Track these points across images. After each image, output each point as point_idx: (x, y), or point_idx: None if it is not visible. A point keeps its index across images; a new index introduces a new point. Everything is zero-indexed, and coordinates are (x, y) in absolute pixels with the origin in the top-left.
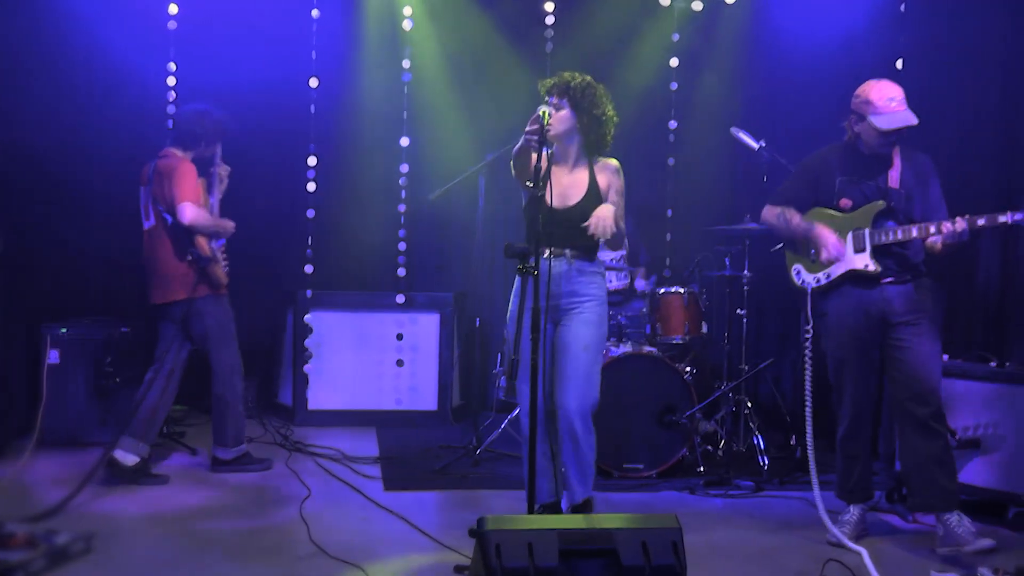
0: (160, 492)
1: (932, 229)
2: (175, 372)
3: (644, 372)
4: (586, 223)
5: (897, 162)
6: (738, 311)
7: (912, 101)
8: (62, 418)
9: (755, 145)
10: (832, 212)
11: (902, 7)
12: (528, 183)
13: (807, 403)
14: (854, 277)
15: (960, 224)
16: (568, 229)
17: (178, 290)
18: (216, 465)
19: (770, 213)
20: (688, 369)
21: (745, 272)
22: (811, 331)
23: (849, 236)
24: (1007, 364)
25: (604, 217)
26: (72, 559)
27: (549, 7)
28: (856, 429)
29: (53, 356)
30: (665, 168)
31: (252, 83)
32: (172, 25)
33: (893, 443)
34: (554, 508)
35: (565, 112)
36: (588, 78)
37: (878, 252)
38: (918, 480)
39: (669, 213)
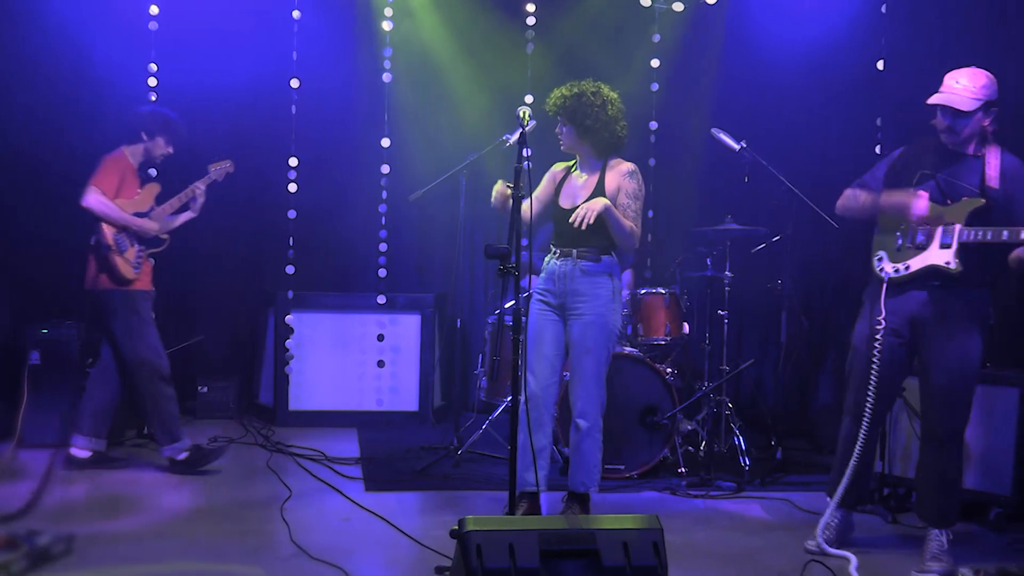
0: (140, 493)
1: (1023, 235)
2: (111, 365)
3: (625, 373)
4: (571, 218)
5: (994, 161)
6: (719, 312)
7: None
8: (43, 419)
9: (736, 146)
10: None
11: (883, 8)
12: (508, 184)
13: (869, 400)
14: (927, 275)
15: None
16: (575, 229)
17: (85, 279)
18: (172, 466)
19: (842, 198)
20: (669, 370)
21: (726, 273)
22: (883, 322)
23: (939, 230)
24: (987, 365)
25: (588, 207)
26: (53, 560)
27: (530, 8)
28: (856, 429)
29: (34, 357)
30: (646, 169)
31: (233, 84)
32: (153, 26)
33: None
34: (532, 497)
35: (565, 128)
36: (578, 88)
37: (963, 252)
38: (921, 490)
39: (651, 214)
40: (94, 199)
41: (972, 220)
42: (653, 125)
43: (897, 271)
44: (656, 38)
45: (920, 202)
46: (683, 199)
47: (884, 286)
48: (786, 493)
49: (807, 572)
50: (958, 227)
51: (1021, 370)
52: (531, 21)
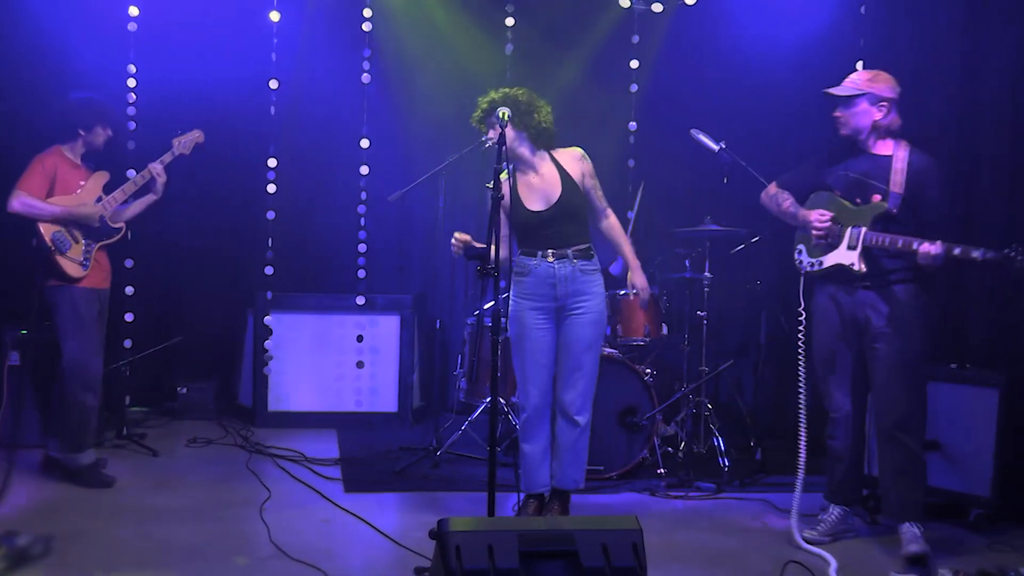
0: (120, 494)
1: (914, 246)
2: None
3: (605, 374)
4: (633, 292)
5: (900, 166)
6: (698, 313)
7: (872, 102)
8: (23, 420)
9: (715, 147)
10: (844, 201)
11: (862, 9)
12: (488, 184)
13: (801, 394)
14: (839, 272)
15: (936, 248)
16: (560, 226)
17: (35, 282)
18: (51, 464)
19: (765, 194)
20: (648, 371)
21: (705, 274)
22: (804, 311)
23: (848, 231)
24: (967, 366)
25: (644, 288)
26: (32, 561)
27: (509, 9)
28: (838, 429)
29: (14, 358)
30: (625, 170)
31: (212, 85)
32: (132, 27)
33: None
34: (540, 499)
35: (501, 123)
36: (504, 89)
37: (868, 253)
38: (882, 486)
39: (630, 215)
40: (17, 202)
41: (879, 222)
42: (632, 126)
43: (812, 266)
44: (635, 39)
45: (819, 225)
46: (662, 200)
47: (802, 278)
48: (765, 494)
49: (786, 573)
50: (863, 230)
51: (1000, 371)
52: (510, 22)
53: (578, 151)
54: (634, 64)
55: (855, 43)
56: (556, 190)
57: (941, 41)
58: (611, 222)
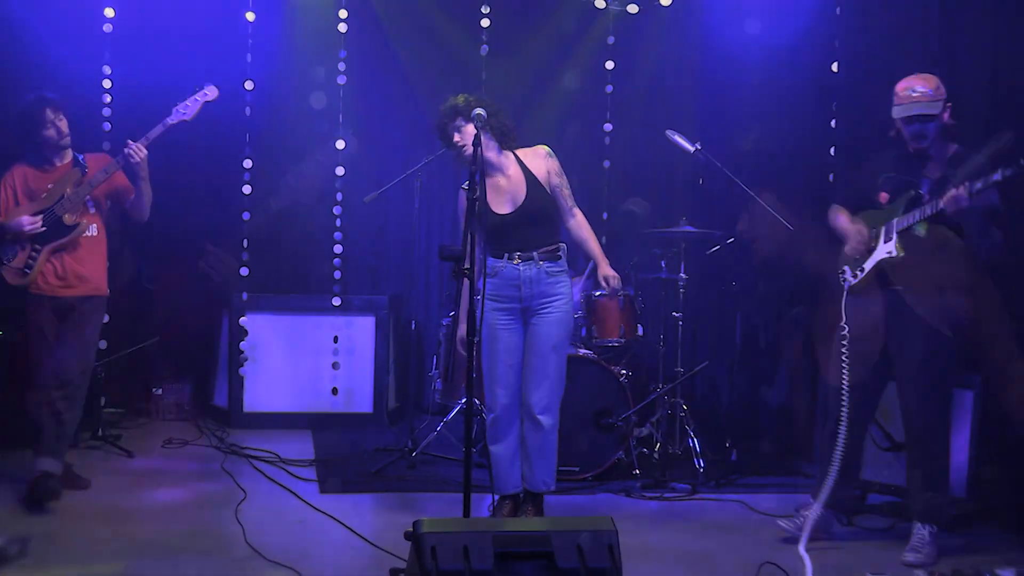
0: (96, 495)
1: (941, 204)
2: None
3: (580, 375)
4: (605, 290)
5: (940, 155)
6: (674, 314)
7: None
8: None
9: (691, 148)
10: (884, 206)
11: (837, 10)
12: (463, 187)
13: (843, 406)
14: (884, 276)
15: (959, 191)
16: (526, 229)
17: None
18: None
19: (829, 214)
20: (624, 372)
21: (681, 275)
22: (846, 327)
23: (882, 229)
24: None
25: (615, 275)
26: (7, 562)
27: (485, 10)
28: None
29: None
30: (601, 171)
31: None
32: (107, 28)
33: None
34: (514, 499)
35: (467, 127)
36: (460, 96)
37: (904, 238)
38: (910, 490)
39: (605, 216)
40: None
41: (911, 208)
42: (607, 127)
43: (856, 276)
44: (610, 40)
45: (853, 240)
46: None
47: (844, 294)
48: (741, 495)
49: (762, 574)
50: (894, 221)
51: (975, 372)
52: (485, 23)
53: (543, 149)
54: (609, 65)
55: (830, 44)
56: (521, 192)
57: (916, 42)
58: (578, 220)
